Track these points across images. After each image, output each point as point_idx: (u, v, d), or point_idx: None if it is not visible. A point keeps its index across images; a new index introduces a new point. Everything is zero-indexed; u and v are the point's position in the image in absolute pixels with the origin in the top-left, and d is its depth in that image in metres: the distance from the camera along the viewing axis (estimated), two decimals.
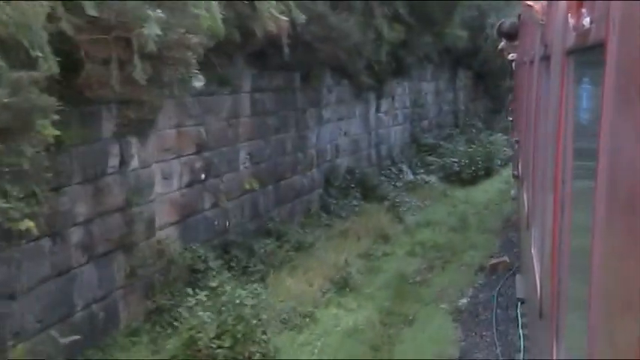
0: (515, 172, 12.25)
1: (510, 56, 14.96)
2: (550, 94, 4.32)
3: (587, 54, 2.70)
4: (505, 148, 26.95)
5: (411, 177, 20.43)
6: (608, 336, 1.74)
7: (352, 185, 17.35)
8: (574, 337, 2.91)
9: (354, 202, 16.70)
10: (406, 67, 20.23)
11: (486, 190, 21.30)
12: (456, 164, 21.71)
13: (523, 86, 9.45)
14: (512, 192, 13.54)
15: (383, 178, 19.89)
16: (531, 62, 7.23)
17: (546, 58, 4.80)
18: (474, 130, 27.58)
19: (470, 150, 23.14)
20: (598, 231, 1.94)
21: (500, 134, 29.51)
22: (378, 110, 20.49)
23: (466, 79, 28.78)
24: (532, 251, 5.62)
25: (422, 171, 21.41)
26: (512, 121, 18.15)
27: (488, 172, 23.09)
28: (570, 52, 3.24)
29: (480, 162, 22.64)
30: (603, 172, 1.89)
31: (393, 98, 21.67)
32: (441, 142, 23.90)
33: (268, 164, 13.83)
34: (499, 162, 24.57)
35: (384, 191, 17.94)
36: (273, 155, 14.06)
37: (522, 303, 7.77)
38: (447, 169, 21.61)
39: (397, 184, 19.83)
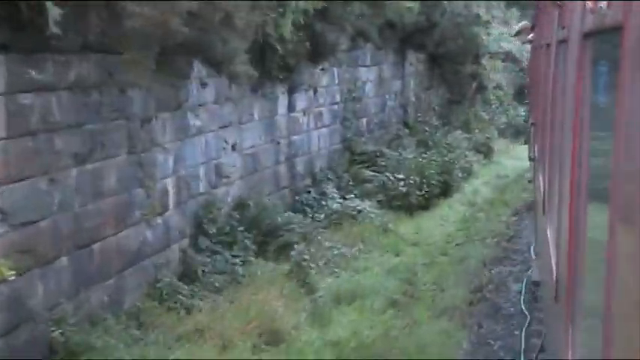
0: (532, 155, 11.93)
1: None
2: (567, 77, 4.23)
3: (605, 37, 2.64)
4: (467, 152, 21.17)
5: (338, 204, 14.39)
6: (624, 325, 1.73)
7: (241, 228, 11.27)
8: (589, 320, 2.87)
9: (239, 260, 10.63)
10: (329, 47, 14.12)
11: (445, 218, 15.40)
12: (402, 182, 15.73)
13: (540, 69, 9.31)
14: (529, 175, 13.21)
15: (297, 208, 13.85)
16: (548, 45, 7.12)
17: (564, 41, 4.70)
18: (427, 130, 21.69)
19: (422, 160, 17.19)
20: (615, 215, 1.93)
21: (460, 132, 23.76)
22: (291, 109, 14.41)
23: (418, 63, 22.81)
24: (548, 235, 5.56)
25: (355, 193, 15.38)
26: (528, 104, 17.51)
27: (447, 190, 17.23)
28: (588, 35, 3.22)
29: (435, 176, 16.75)
30: (620, 155, 1.91)
31: (315, 91, 15.59)
32: (384, 149, 17.87)
33: (56, 221, 7.66)
34: (460, 173, 18.71)
35: (291, 234, 11.88)
36: (69, 201, 7.88)
37: (538, 286, 7.48)
38: (389, 189, 15.64)
39: (317, 215, 13.80)
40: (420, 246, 13.13)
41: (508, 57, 31.38)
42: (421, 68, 23.13)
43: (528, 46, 34.53)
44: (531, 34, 14.30)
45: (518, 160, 22.74)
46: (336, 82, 16.86)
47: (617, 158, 1.94)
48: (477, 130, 25.00)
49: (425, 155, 18.29)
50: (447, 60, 23.80)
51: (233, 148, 12.11)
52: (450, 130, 23.77)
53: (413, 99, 22.42)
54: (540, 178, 8.24)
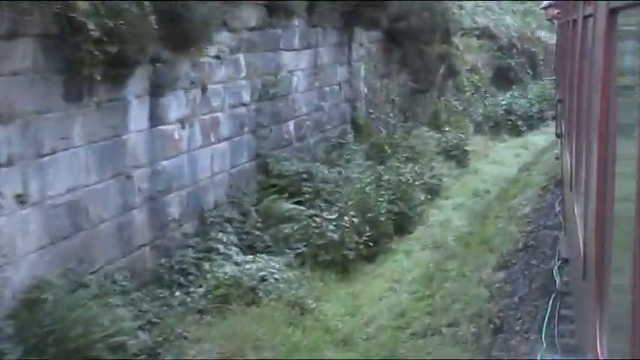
0: (559, 131, 11.18)
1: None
2: (594, 53, 4.20)
3: (633, 12, 2.68)
4: (436, 158, 16.16)
5: (232, 267, 9.25)
6: None
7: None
8: (617, 299, 2.85)
9: None
10: (193, 26, 8.80)
11: (397, 278, 10.36)
12: (334, 224, 10.59)
13: (566, 45, 9.16)
14: (556, 151, 12.72)
15: (163, 280, 8.76)
16: (575, 21, 7.07)
17: (590, 17, 4.76)
18: (383, 129, 16.63)
19: (366, 185, 12.10)
20: None
21: (426, 129, 18.72)
22: (156, 120, 9.26)
23: (370, 44, 17.66)
24: (576, 212, 5.51)
25: (264, 241, 10.27)
26: (555, 79, 16.80)
27: (403, 224, 12.21)
28: (614, 10, 3.22)
29: (384, 206, 11.73)
30: None
31: (203, 90, 10.43)
32: (316, 167, 12.71)
33: None
34: (424, 194, 13.72)
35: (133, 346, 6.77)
36: None
37: (566, 262, 7.35)
38: (316, 236, 10.50)
39: (194, 291, 8.68)
40: (355, 345, 8.08)
41: (484, 33, 26.33)
42: (375, 50, 17.97)
43: (508, 20, 29.75)
44: (557, 11, 14.13)
45: (502, 166, 17.75)
46: (243, 73, 11.69)
47: None
48: (447, 127, 19.97)
49: (375, 173, 13.27)
50: (408, 39, 18.66)
51: (20, 201, 6.94)
52: (414, 127, 18.73)
53: (364, 90, 17.29)
54: (567, 155, 8.05)
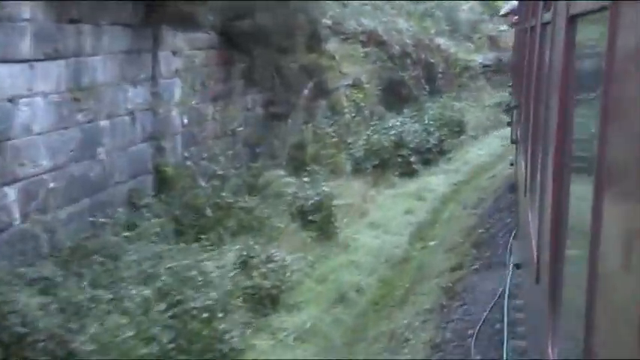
0: (514, 137, 11.21)
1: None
2: (553, 59, 4.25)
3: (593, 19, 2.65)
4: (288, 235, 10.64)
5: None
6: (606, 308, 1.77)
7: None
8: (570, 302, 2.87)
9: None
10: None
11: None
12: None
13: (524, 51, 9.02)
14: (511, 157, 12.16)
15: None
16: (533, 27, 7.07)
17: (549, 24, 4.75)
18: (204, 185, 10.96)
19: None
20: (598, 197, 1.96)
21: (282, 172, 13.28)
22: None
23: (193, 51, 11.87)
24: (529, 217, 5.61)
25: None
26: (512, 86, 15.58)
27: None
28: (574, 17, 3.24)
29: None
30: (605, 137, 1.93)
31: None
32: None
33: None
34: (248, 312, 8.03)
35: None
36: None
37: (519, 268, 7.28)
38: None
39: None
40: None
41: (371, 39, 20.99)
42: (202, 60, 12.18)
43: (401, 24, 24.61)
44: (516, 17, 13.90)
45: (386, 232, 12.38)
46: None
47: (603, 141, 1.95)
48: (316, 165, 14.45)
49: (162, 277, 7.56)
50: (256, 44, 12.97)
51: None
52: (265, 168, 13.12)
53: (181, 120, 11.47)
54: (522, 161, 8.08)
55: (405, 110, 20.86)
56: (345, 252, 11.05)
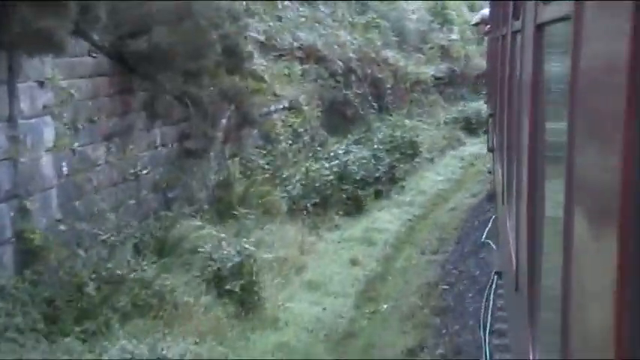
0: (490, 145, 11.24)
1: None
2: (522, 67, 4.37)
3: (559, 27, 2.70)
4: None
5: None
6: (581, 315, 1.80)
7: None
8: (548, 309, 2.89)
9: None
10: None
11: None
12: None
13: (496, 60, 9.25)
14: (488, 165, 12.60)
15: None
16: (504, 36, 7.20)
17: (518, 32, 4.90)
18: (81, 254, 8.45)
19: None
20: (570, 199, 1.99)
21: (200, 224, 10.90)
22: None
23: (74, 80, 9.38)
24: (508, 225, 5.64)
25: None
26: (486, 94, 16.86)
27: None
28: (541, 25, 3.30)
29: None
30: (573, 144, 1.96)
31: None
32: None
33: None
34: None
35: None
36: None
37: (500, 276, 7.41)
38: None
39: None
40: None
41: (311, 55, 18.69)
42: (89, 91, 9.67)
43: (343, 37, 22.38)
44: (488, 26, 13.85)
45: (327, 295, 10.06)
46: None
47: (571, 148, 1.99)
48: (245, 209, 12.08)
49: None
50: (160, 69, 10.51)
51: None
52: (177, 220, 10.73)
53: (59, 169, 8.94)
54: (499, 169, 8.06)
55: (351, 134, 18.59)
56: (273, 330, 8.60)
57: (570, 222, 1.95)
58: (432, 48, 29.05)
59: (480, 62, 32.85)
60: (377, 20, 24.10)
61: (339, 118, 18.99)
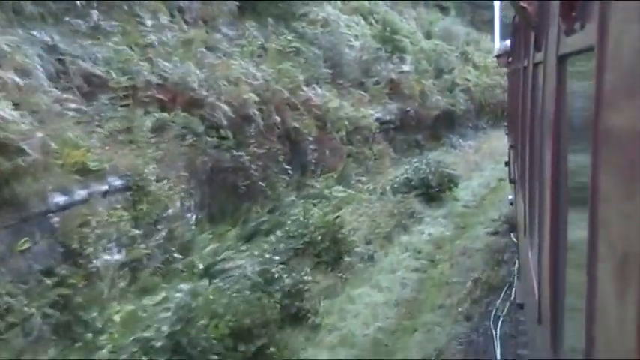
0: (512, 177, 11.26)
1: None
2: (544, 99, 4.43)
3: (581, 58, 2.77)
4: None
5: None
6: (605, 345, 1.80)
7: None
8: (572, 342, 2.91)
9: None
10: None
11: None
12: None
13: (517, 92, 9.27)
14: (510, 197, 12.13)
15: None
16: (525, 67, 7.30)
17: (540, 63, 4.92)
18: None
19: None
20: (597, 237, 1.97)
21: None
22: None
23: None
24: (530, 257, 5.67)
25: None
26: (507, 126, 17.15)
27: None
28: (563, 57, 3.32)
29: None
30: (598, 177, 1.97)
31: None
32: None
33: None
34: None
35: None
36: None
37: (522, 308, 7.24)
38: None
39: None
40: None
41: (176, 98, 11.82)
42: None
43: (238, 70, 15.36)
44: (510, 57, 13.82)
45: None
46: None
47: (595, 179, 1.99)
48: None
49: None
50: None
51: None
52: None
53: None
54: (521, 200, 8.12)
55: (245, 221, 11.74)
56: None
57: (594, 256, 1.95)
58: (377, 83, 22.47)
59: (439, 100, 26.49)
60: (294, 45, 17.34)
61: (225, 195, 12.12)
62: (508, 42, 14.64)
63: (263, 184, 12.84)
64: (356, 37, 26.30)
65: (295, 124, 14.62)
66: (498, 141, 32.56)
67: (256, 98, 13.66)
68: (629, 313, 1.43)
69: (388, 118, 22.05)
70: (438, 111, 25.54)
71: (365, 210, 14.41)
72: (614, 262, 1.68)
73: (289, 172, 14.09)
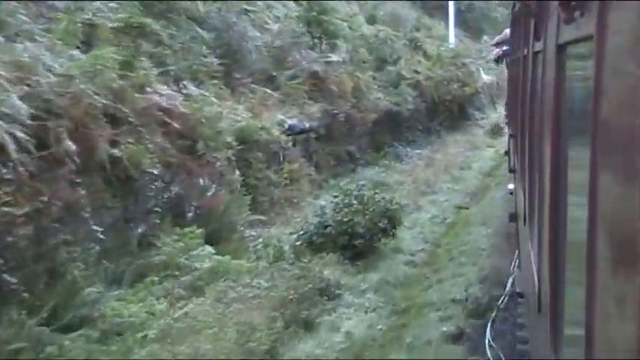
0: (512, 167, 11.15)
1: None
2: (544, 89, 4.41)
3: (580, 47, 2.77)
4: None
5: None
6: (604, 334, 1.80)
7: None
8: (572, 331, 2.88)
9: None
10: None
11: None
12: None
13: (517, 81, 9.22)
14: (510, 186, 11.62)
15: None
16: (524, 57, 7.34)
17: (540, 53, 4.90)
18: None
19: None
20: (596, 226, 1.97)
21: None
22: None
23: None
24: (530, 246, 5.65)
25: None
26: (507, 116, 17.06)
27: None
28: (563, 45, 3.34)
29: None
30: (597, 165, 1.97)
31: None
32: None
33: None
34: None
35: None
36: None
37: (522, 297, 7.15)
38: None
39: None
40: None
41: None
42: None
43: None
44: (504, 47, 14.57)
45: None
46: None
47: (595, 169, 1.99)
48: None
49: None
50: None
51: None
52: None
53: None
54: (520, 190, 8.00)
55: None
56: None
57: (594, 243, 1.97)
58: (294, 77, 16.49)
59: (380, 100, 20.57)
60: (140, 22, 11.18)
61: None
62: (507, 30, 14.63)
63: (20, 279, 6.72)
64: (277, 18, 20.35)
65: (116, 151, 8.52)
66: (456, 146, 26.71)
67: (32, 110, 7.56)
68: (630, 301, 1.44)
69: (307, 125, 16.08)
70: (378, 113, 19.64)
71: (235, 297, 8.44)
72: (615, 249, 1.70)
73: (99, 235, 8.01)
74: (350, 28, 25.36)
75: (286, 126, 15.12)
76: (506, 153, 13.99)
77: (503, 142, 27.71)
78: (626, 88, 1.63)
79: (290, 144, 15.00)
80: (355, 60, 21.29)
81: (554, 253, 3.53)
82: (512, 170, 11.00)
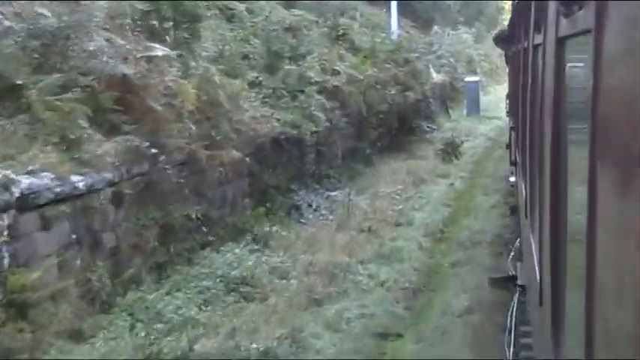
0: (513, 159, 11.46)
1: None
2: (544, 81, 4.43)
3: (580, 40, 2.74)
4: None
5: None
6: (605, 328, 1.81)
7: None
8: (574, 324, 2.84)
9: None
10: None
11: None
12: None
13: (518, 73, 9.33)
14: (511, 179, 12.08)
15: None
16: (525, 50, 7.36)
17: (540, 45, 4.94)
18: None
19: None
20: (595, 218, 1.98)
21: None
22: None
23: None
24: (531, 238, 5.70)
25: None
26: (508, 107, 16.64)
27: None
28: (562, 39, 3.33)
29: None
30: (595, 158, 1.98)
31: None
32: None
33: None
34: None
35: None
36: None
37: (523, 289, 7.36)
38: None
39: None
40: None
41: None
42: None
43: None
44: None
45: None
46: None
47: (593, 160, 2.00)
48: None
49: None
50: None
51: None
52: None
53: None
54: (522, 182, 8.11)
55: None
56: None
57: (593, 235, 1.95)
58: (64, 90, 8.51)
59: (268, 122, 12.60)
60: None
61: None
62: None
63: None
64: None
65: None
66: (392, 181, 18.37)
67: None
68: (630, 292, 1.44)
69: (89, 182, 8.13)
70: (254, 145, 11.74)
71: None
72: (615, 241, 1.69)
73: None
74: (249, 11, 17.69)
75: (15, 192, 7.15)
76: (508, 146, 14.09)
77: (463, 166, 20.08)
78: (623, 82, 1.63)
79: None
80: (227, 56, 13.40)
81: (555, 245, 3.51)
82: (512, 163, 11.19)
